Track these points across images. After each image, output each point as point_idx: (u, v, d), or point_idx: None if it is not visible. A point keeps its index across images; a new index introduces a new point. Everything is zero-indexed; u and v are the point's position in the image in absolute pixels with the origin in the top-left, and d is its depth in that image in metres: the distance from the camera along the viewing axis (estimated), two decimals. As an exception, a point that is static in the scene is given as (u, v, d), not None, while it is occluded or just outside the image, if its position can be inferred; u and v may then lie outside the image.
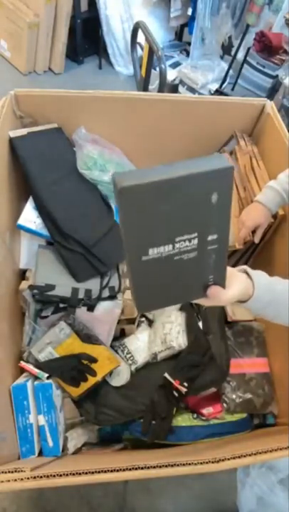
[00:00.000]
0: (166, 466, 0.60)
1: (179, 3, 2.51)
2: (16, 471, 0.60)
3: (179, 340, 0.93)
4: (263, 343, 1.04)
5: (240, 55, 2.51)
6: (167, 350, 0.94)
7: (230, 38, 2.59)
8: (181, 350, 0.93)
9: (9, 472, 0.60)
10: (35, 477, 0.58)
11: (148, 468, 0.60)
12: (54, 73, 2.67)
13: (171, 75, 2.50)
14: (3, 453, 0.74)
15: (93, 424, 0.92)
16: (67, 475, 0.58)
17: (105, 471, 0.59)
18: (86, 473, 0.59)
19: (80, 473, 0.58)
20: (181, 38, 2.86)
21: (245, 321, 1.06)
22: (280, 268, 1.00)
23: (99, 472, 0.59)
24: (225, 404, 0.92)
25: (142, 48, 1.62)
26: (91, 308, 0.93)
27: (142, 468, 0.59)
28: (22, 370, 0.87)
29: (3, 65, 2.63)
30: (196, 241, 0.47)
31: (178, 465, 0.60)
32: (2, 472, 0.60)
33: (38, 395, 0.82)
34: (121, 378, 0.93)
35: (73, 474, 0.58)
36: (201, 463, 0.60)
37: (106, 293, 0.95)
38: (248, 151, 1.12)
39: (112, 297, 0.95)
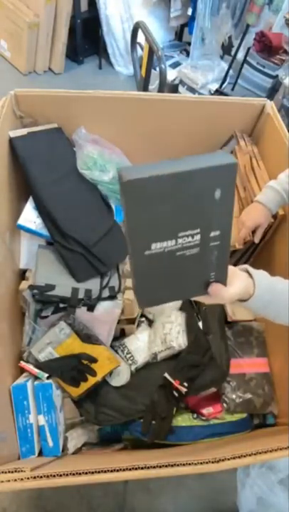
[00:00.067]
0: (166, 466, 0.60)
1: (179, 3, 2.51)
2: (16, 471, 0.60)
3: (179, 340, 0.93)
4: (263, 343, 1.04)
5: (240, 55, 2.51)
6: (167, 350, 0.94)
7: (230, 38, 2.59)
8: (181, 350, 0.93)
9: (9, 472, 0.60)
10: (35, 477, 0.58)
11: (148, 468, 0.60)
12: (54, 73, 2.67)
13: (171, 75, 2.50)
14: (3, 453, 0.74)
15: (93, 424, 0.92)
16: (67, 475, 0.58)
17: (105, 471, 0.59)
18: (86, 473, 0.59)
19: (80, 473, 0.58)
20: (181, 38, 2.86)
21: (245, 321, 1.06)
22: (280, 268, 1.00)
23: (99, 472, 0.59)
24: (225, 404, 0.92)
25: (142, 48, 1.62)
26: (91, 308, 0.93)
27: (142, 468, 0.59)
28: (22, 370, 0.87)
29: (3, 65, 2.63)
30: (198, 237, 0.47)
31: (178, 465, 0.60)
32: (2, 472, 0.60)
33: (38, 395, 0.82)
34: (121, 378, 0.93)
35: (73, 474, 0.58)
36: (201, 463, 0.60)
37: (106, 293, 0.95)
38: (248, 151, 1.12)
39: (112, 297, 0.95)
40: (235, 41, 2.53)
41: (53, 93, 1.03)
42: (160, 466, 0.60)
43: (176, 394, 0.88)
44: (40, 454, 0.83)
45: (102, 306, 0.94)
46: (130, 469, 0.59)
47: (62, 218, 0.95)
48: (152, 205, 0.42)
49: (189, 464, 0.60)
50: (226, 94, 2.41)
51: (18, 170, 0.99)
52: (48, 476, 0.58)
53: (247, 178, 1.06)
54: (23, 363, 0.86)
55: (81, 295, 0.92)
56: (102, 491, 1.17)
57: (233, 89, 2.68)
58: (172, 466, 0.60)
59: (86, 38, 2.69)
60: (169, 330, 0.95)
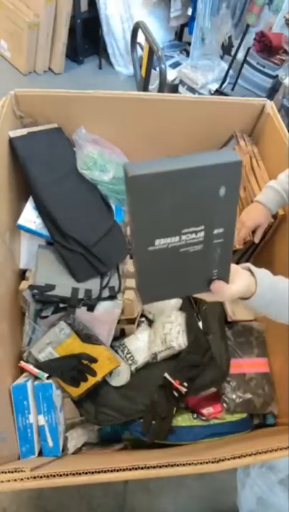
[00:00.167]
0: (166, 466, 0.60)
1: (179, 3, 2.51)
2: (16, 471, 0.60)
3: (179, 340, 0.93)
4: (263, 343, 1.04)
5: (240, 55, 2.51)
6: (167, 350, 0.94)
7: (230, 38, 2.59)
8: (181, 350, 0.93)
9: (9, 472, 0.60)
10: (35, 477, 0.58)
11: (148, 468, 0.60)
12: (54, 73, 2.67)
13: (171, 75, 2.50)
14: (3, 453, 0.74)
15: (93, 424, 0.92)
16: (67, 475, 0.58)
17: (105, 471, 0.59)
18: (86, 473, 0.59)
19: (80, 473, 0.58)
20: (181, 38, 2.86)
21: (245, 321, 1.06)
22: (280, 268, 1.00)
23: (99, 472, 0.59)
24: (225, 404, 0.92)
25: (142, 48, 1.62)
26: (91, 308, 0.93)
27: (142, 468, 0.59)
28: (22, 370, 0.87)
29: (3, 65, 2.63)
30: (202, 234, 0.47)
31: (178, 465, 0.60)
32: (2, 472, 0.60)
33: (38, 395, 0.82)
34: (121, 378, 0.93)
35: (73, 474, 0.58)
36: (201, 463, 0.60)
37: (106, 293, 0.95)
38: (248, 151, 1.12)
39: (112, 297, 0.95)
40: (235, 41, 2.53)
41: (53, 93, 1.03)
42: (160, 466, 0.60)
43: (176, 394, 0.88)
44: (40, 454, 0.83)
45: (102, 306, 0.94)
46: (130, 469, 0.59)
47: (62, 218, 0.95)
48: (157, 201, 0.42)
49: (189, 464, 0.60)
50: (226, 94, 2.41)
51: (18, 170, 0.99)
52: (48, 476, 0.58)
53: (247, 178, 1.06)
54: (23, 363, 0.86)
55: (81, 295, 0.92)
56: (102, 491, 1.17)
57: (233, 89, 2.68)
58: (172, 466, 0.60)
59: (86, 38, 2.69)
60: (169, 330, 0.95)
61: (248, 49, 2.46)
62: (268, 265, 1.05)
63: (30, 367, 0.85)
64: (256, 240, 0.98)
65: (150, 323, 1.05)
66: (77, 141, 1.07)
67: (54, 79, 2.64)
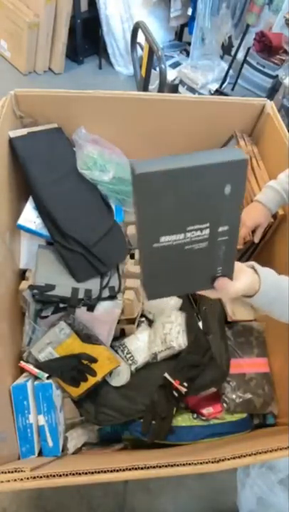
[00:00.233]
0: (166, 466, 0.60)
1: (179, 3, 2.51)
2: (15, 471, 0.60)
3: (179, 340, 0.93)
4: (263, 343, 1.04)
5: (240, 55, 2.51)
6: (167, 350, 0.94)
7: (230, 38, 2.59)
8: (181, 350, 0.93)
9: (9, 472, 0.60)
10: (35, 477, 0.58)
11: (148, 468, 0.60)
12: (54, 73, 2.67)
13: (171, 75, 2.50)
14: (3, 453, 0.74)
15: (93, 424, 0.92)
16: (67, 475, 0.58)
17: (105, 471, 0.59)
18: (86, 473, 0.59)
19: (80, 473, 0.58)
20: (181, 38, 2.86)
21: (245, 321, 1.06)
22: (280, 268, 0.99)
23: (99, 472, 0.59)
24: (225, 404, 0.92)
25: (142, 48, 1.62)
26: (91, 308, 0.93)
27: (142, 468, 0.59)
28: (22, 370, 0.87)
29: (3, 65, 2.63)
30: (207, 231, 0.47)
31: (178, 465, 0.60)
32: (2, 472, 0.60)
33: (38, 395, 0.82)
34: (121, 378, 0.93)
35: (73, 474, 0.58)
36: (201, 463, 0.60)
37: (106, 293, 0.95)
38: (248, 151, 1.12)
39: (112, 297, 0.95)
40: (235, 41, 2.53)
41: (53, 93, 1.03)
42: (160, 466, 0.60)
43: (176, 394, 0.88)
44: (40, 454, 0.83)
45: (102, 306, 0.94)
46: (130, 469, 0.59)
47: (62, 218, 0.95)
48: (163, 199, 0.43)
49: (189, 464, 0.60)
50: (226, 94, 2.41)
51: (18, 170, 0.99)
52: (47, 476, 0.58)
53: (247, 178, 1.06)
54: (23, 363, 0.86)
55: (81, 295, 0.92)
56: (102, 491, 1.17)
57: (233, 89, 2.68)
58: (172, 466, 0.60)
59: (86, 38, 2.69)
60: (169, 330, 0.95)
61: (248, 49, 2.46)
62: (268, 265, 1.04)
63: (30, 367, 0.85)
64: (256, 240, 0.98)
65: (150, 323, 1.05)
66: (77, 141, 1.07)
67: (54, 79, 2.65)
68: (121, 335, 1.02)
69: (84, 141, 1.07)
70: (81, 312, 0.90)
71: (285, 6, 2.26)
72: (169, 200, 0.43)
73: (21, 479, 0.58)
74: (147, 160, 0.41)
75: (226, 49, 2.67)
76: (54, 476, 0.58)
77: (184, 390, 0.87)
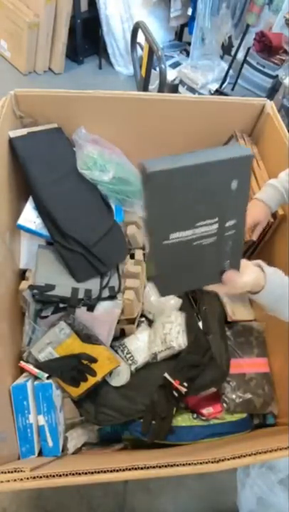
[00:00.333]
0: (166, 466, 0.60)
1: (179, 3, 2.51)
2: (15, 471, 0.60)
3: (178, 340, 0.93)
4: (263, 343, 1.04)
5: (240, 55, 2.51)
6: (167, 350, 0.94)
7: (230, 38, 2.59)
8: (181, 350, 0.93)
9: (9, 472, 0.60)
10: (34, 477, 0.58)
11: (148, 468, 0.60)
12: (54, 73, 2.67)
13: (171, 75, 2.50)
14: (3, 453, 0.74)
15: (93, 424, 0.92)
16: (67, 475, 0.58)
17: (105, 471, 0.59)
18: (86, 473, 0.59)
19: (80, 473, 0.58)
20: (181, 38, 2.86)
21: (245, 321, 1.06)
22: (280, 268, 0.99)
23: (99, 472, 0.59)
24: (225, 404, 0.92)
25: (141, 48, 1.62)
26: (91, 308, 0.93)
27: (142, 468, 0.59)
28: (22, 370, 0.87)
29: (3, 65, 2.63)
30: (215, 226, 0.49)
31: (178, 465, 0.60)
32: (2, 472, 0.60)
33: (38, 395, 0.82)
34: (121, 378, 0.93)
35: (73, 474, 0.58)
36: (201, 463, 0.60)
37: (106, 293, 0.95)
38: (248, 151, 1.12)
39: (112, 297, 0.95)
40: (235, 41, 2.53)
41: (53, 93, 1.03)
42: (160, 466, 0.60)
43: (176, 394, 0.87)
44: (40, 454, 0.83)
45: (102, 306, 0.94)
46: (130, 469, 0.59)
47: (62, 218, 0.95)
48: (173, 196, 0.44)
49: (189, 464, 0.60)
50: (226, 94, 2.41)
51: (18, 170, 0.99)
52: (47, 476, 0.58)
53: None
54: (23, 363, 0.86)
55: (81, 295, 0.92)
56: (102, 491, 1.17)
57: (233, 89, 2.68)
58: (172, 466, 0.60)
59: (86, 38, 2.69)
60: (169, 330, 0.95)
61: (248, 49, 2.46)
62: (269, 265, 1.05)
63: (30, 367, 0.85)
64: (254, 238, 0.98)
65: (150, 323, 1.05)
66: (77, 141, 1.07)
67: (54, 79, 2.65)
68: (121, 335, 1.02)
69: (84, 141, 1.07)
70: (81, 312, 0.90)
71: (285, 6, 2.26)
72: (178, 197, 0.44)
73: (21, 479, 0.58)
74: (155, 159, 0.42)
75: (226, 49, 2.67)
76: (54, 476, 0.58)
77: (183, 390, 0.86)
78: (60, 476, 0.58)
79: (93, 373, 0.87)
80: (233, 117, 1.14)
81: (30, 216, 0.97)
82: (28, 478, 0.58)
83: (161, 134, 1.13)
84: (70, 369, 0.86)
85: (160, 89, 1.50)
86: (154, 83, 1.71)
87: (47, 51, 2.55)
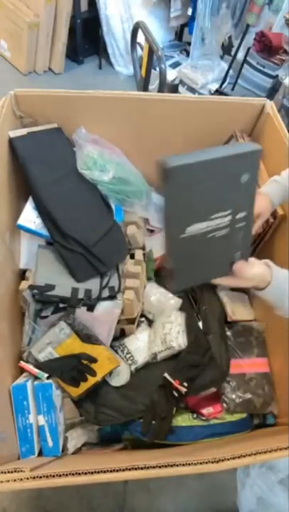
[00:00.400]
0: (166, 466, 0.60)
1: (179, 3, 2.51)
2: (15, 471, 0.60)
3: (178, 340, 0.93)
4: (263, 343, 1.04)
5: (240, 55, 2.51)
6: (167, 350, 0.94)
7: (230, 38, 2.59)
8: (181, 350, 0.93)
9: (9, 472, 0.60)
10: (34, 477, 0.58)
11: (148, 468, 0.60)
12: (54, 73, 2.67)
13: (171, 75, 2.50)
14: (3, 453, 0.74)
15: (93, 424, 0.92)
16: (67, 475, 0.58)
17: (105, 471, 0.59)
18: (86, 473, 0.59)
19: (79, 473, 0.58)
20: (181, 38, 2.86)
21: (245, 321, 1.06)
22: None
23: (99, 472, 0.59)
24: (225, 404, 0.92)
25: (141, 48, 1.62)
26: (91, 308, 0.93)
27: (142, 468, 0.59)
28: (22, 370, 0.87)
29: (3, 65, 2.63)
30: (228, 218, 0.53)
31: (178, 465, 0.60)
32: (2, 472, 0.60)
33: (37, 395, 0.82)
34: (121, 378, 0.93)
35: (73, 474, 0.58)
36: (201, 463, 0.60)
37: (106, 293, 0.95)
38: (248, 151, 1.12)
39: (112, 297, 0.95)
40: (235, 41, 2.53)
41: (53, 93, 1.03)
42: (160, 466, 0.60)
43: (176, 394, 0.87)
44: (40, 454, 0.83)
45: (102, 306, 0.94)
46: (130, 469, 0.59)
47: (62, 218, 0.95)
48: (190, 190, 0.47)
49: (189, 464, 0.60)
50: (226, 94, 2.41)
51: (18, 170, 0.99)
52: (47, 476, 0.58)
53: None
54: (23, 363, 0.86)
55: (81, 295, 0.92)
56: (102, 491, 1.17)
57: (233, 89, 2.68)
58: (172, 466, 0.60)
59: (86, 38, 2.69)
60: (168, 330, 0.95)
61: (248, 49, 2.46)
62: (268, 265, 1.05)
63: (30, 367, 0.85)
64: (253, 231, 0.98)
65: (150, 323, 1.05)
66: (77, 141, 1.07)
67: (54, 79, 2.65)
68: (121, 335, 1.02)
69: (84, 141, 1.07)
70: (81, 312, 0.90)
71: (285, 6, 2.26)
72: (195, 190, 0.47)
73: (21, 479, 0.58)
74: (170, 156, 0.46)
75: (226, 49, 2.67)
76: (54, 476, 0.58)
77: (183, 390, 0.86)
78: (60, 476, 0.58)
79: (93, 373, 0.87)
80: (233, 117, 1.14)
81: (30, 216, 0.97)
82: (28, 478, 0.58)
83: (161, 134, 1.13)
84: (70, 369, 0.86)
85: (160, 89, 1.50)
86: (154, 83, 1.71)
87: (47, 51, 2.55)
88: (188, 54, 2.66)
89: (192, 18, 2.48)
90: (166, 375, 0.89)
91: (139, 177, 1.11)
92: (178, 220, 0.50)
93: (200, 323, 0.99)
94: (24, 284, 0.94)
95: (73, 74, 2.73)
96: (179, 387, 0.87)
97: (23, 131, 1.00)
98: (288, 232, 0.99)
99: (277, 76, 2.50)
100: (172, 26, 2.72)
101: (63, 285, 0.92)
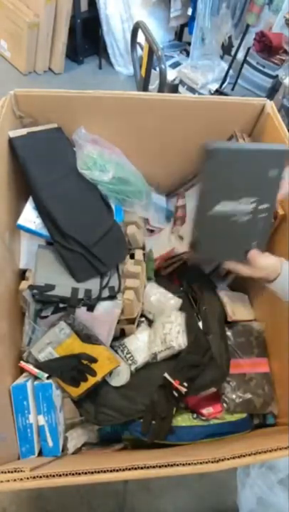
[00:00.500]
0: (166, 466, 0.60)
1: (179, 3, 2.51)
2: (15, 471, 0.60)
3: (178, 340, 0.93)
4: (263, 343, 1.04)
5: (240, 55, 2.51)
6: (167, 350, 0.94)
7: (230, 38, 2.59)
8: (181, 350, 0.93)
9: (9, 472, 0.60)
10: (34, 477, 0.58)
11: (148, 468, 0.60)
12: (54, 73, 2.67)
13: (171, 75, 2.50)
14: (2, 453, 0.74)
15: (93, 424, 0.92)
16: (67, 475, 0.58)
17: (105, 471, 0.59)
18: (86, 473, 0.59)
19: (79, 473, 0.58)
20: (181, 38, 2.86)
21: (245, 320, 1.06)
22: (280, 268, 0.99)
23: (99, 472, 0.59)
24: (225, 404, 0.92)
25: (141, 48, 1.62)
26: (91, 308, 0.93)
27: (142, 468, 0.59)
28: (22, 370, 0.87)
29: (3, 65, 2.63)
30: (253, 205, 0.58)
31: (178, 465, 0.60)
32: (2, 472, 0.60)
33: (37, 395, 0.82)
34: (121, 378, 0.93)
35: (73, 474, 0.58)
36: (201, 463, 0.60)
37: (106, 293, 0.95)
38: (248, 151, 1.12)
39: (112, 297, 0.95)
40: (235, 41, 2.53)
41: (53, 93, 1.03)
42: (160, 466, 0.60)
43: (176, 394, 0.87)
44: (40, 454, 0.83)
45: (102, 306, 0.94)
46: (130, 469, 0.59)
47: (62, 218, 0.95)
48: (226, 172, 0.54)
49: (189, 464, 0.60)
50: (226, 94, 2.42)
51: (17, 170, 0.99)
52: (47, 476, 0.58)
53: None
54: (23, 363, 0.86)
55: (81, 295, 0.92)
56: (102, 491, 1.17)
57: (233, 89, 2.68)
58: (172, 466, 0.60)
59: (86, 38, 2.69)
60: (168, 330, 0.95)
61: (248, 49, 2.47)
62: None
63: (30, 367, 0.85)
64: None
65: (150, 323, 1.05)
66: (77, 141, 1.07)
67: (54, 79, 2.65)
68: (121, 335, 1.02)
69: (84, 141, 1.07)
70: (81, 312, 0.90)
71: (285, 6, 2.26)
72: (229, 173, 0.54)
73: (21, 479, 0.58)
74: (217, 141, 0.55)
75: (226, 49, 2.67)
76: (54, 476, 0.58)
77: (183, 390, 0.86)
78: (60, 476, 0.58)
79: (93, 373, 0.87)
80: (233, 117, 1.14)
81: (30, 216, 0.97)
82: (28, 478, 0.58)
83: (161, 134, 1.13)
84: (70, 369, 0.86)
85: (160, 89, 1.50)
86: (154, 83, 1.71)
87: (47, 51, 2.55)
88: (188, 54, 2.66)
89: (192, 18, 2.48)
90: (166, 375, 0.89)
91: (139, 177, 1.11)
92: (209, 197, 0.56)
93: (200, 323, 0.99)
94: (24, 284, 0.94)
95: (73, 74, 2.73)
96: (179, 387, 0.87)
97: (23, 131, 1.00)
98: (288, 232, 0.99)
99: (277, 76, 2.50)
100: (172, 26, 2.72)
101: (63, 285, 0.92)
